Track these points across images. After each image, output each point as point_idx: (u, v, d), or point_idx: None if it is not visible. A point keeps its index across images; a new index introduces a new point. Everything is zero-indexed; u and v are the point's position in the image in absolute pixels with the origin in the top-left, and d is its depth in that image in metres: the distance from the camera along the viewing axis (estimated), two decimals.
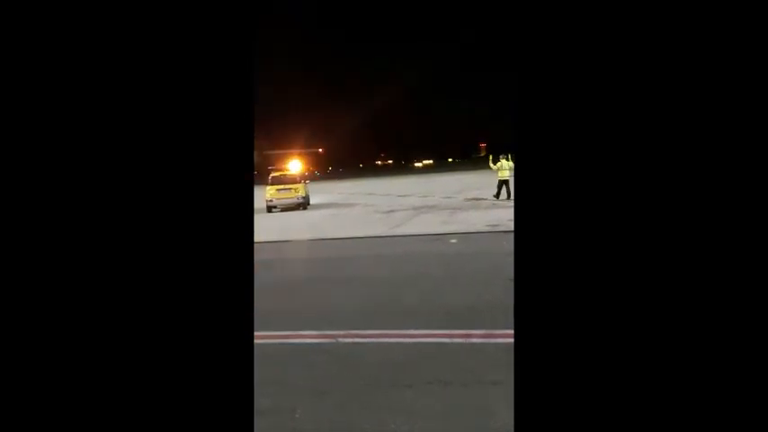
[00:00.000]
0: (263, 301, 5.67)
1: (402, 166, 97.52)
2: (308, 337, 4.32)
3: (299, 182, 19.05)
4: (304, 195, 18.60)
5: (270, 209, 18.13)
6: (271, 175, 19.98)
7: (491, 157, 17.72)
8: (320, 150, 63.34)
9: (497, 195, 16.24)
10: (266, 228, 13.55)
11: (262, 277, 7.10)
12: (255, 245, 8.39)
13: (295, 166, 22.76)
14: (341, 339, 4.18)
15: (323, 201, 21.51)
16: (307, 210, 18.21)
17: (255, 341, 4.25)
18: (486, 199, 16.57)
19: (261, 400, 3.12)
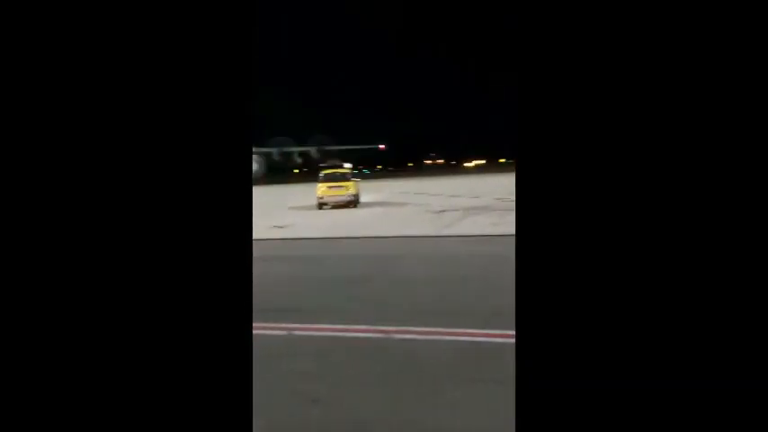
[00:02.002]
0: (317, 296, 5.83)
1: (453, 166, 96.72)
2: (361, 331, 4.42)
3: (350, 180, 19.28)
4: (354, 193, 18.80)
5: (321, 206, 18.43)
6: (322, 172, 20.32)
7: None
8: (382, 147, 62.93)
9: None
10: (317, 225, 13.80)
11: (315, 274, 7.28)
12: (308, 241, 8.58)
13: (346, 163, 23.02)
14: (393, 335, 4.28)
15: (373, 199, 21.65)
16: (357, 208, 18.41)
17: (310, 333, 4.41)
18: None
19: (318, 390, 3.25)
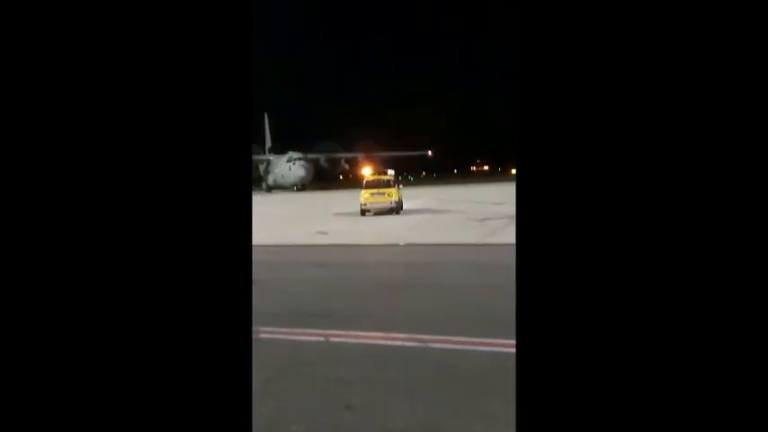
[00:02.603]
0: (355, 302, 5.86)
1: (498, 173, 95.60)
2: (398, 339, 4.41)
3: (393, 186, 19.33)
4: (397, 200, 18.82)
5: (363, 212, 18.53)
6: (365, 179, 20.44)
7: None
8: (429, 153, 62.25)
9: None
10: (359, 231, 13.88)
11: (355, 280, 7.31)
12: (350, 247, 8.58)
13: (389, 170, 23.08)
14: (431, 344, 4.25)
15: (416, 206, 21.61)
16: (399, 214, 18.42)
17: (348, 341, 4.43)
18: None
19: (352, 397, 3.25)
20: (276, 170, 55.27)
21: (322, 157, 56.75)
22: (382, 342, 4.37)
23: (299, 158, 54.67)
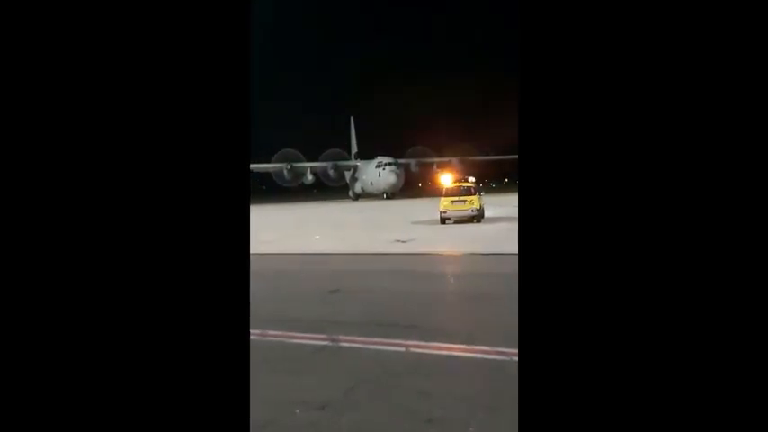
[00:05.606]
0: (435, 312, 5.78)
1: None
2: (481, 352, 4.31)
3: (474, 194, 19.00)
4: (478, 208, 18.46)
5: (443, 220, 18.33)
6: (444, 187, 20.22)
7: None
8: None
9: None
10: (439, 240, 13.77)
11: (433, 289, 7.23)
12: (428, 256, 8.55)
13: (470, 177, 22.73)
14: (514, 357, 4.10)
15: (498, 214, 21.15)
16: (481, 223, 18.11)
17: (427, 351, 4.36)
18: None
19: (433, 411, 3.19)
20: (364, 177, 51.14)
21: (413, 162, 52.02)
22: (464, 354, 4.28)
23: (390, 163, 49.34)
